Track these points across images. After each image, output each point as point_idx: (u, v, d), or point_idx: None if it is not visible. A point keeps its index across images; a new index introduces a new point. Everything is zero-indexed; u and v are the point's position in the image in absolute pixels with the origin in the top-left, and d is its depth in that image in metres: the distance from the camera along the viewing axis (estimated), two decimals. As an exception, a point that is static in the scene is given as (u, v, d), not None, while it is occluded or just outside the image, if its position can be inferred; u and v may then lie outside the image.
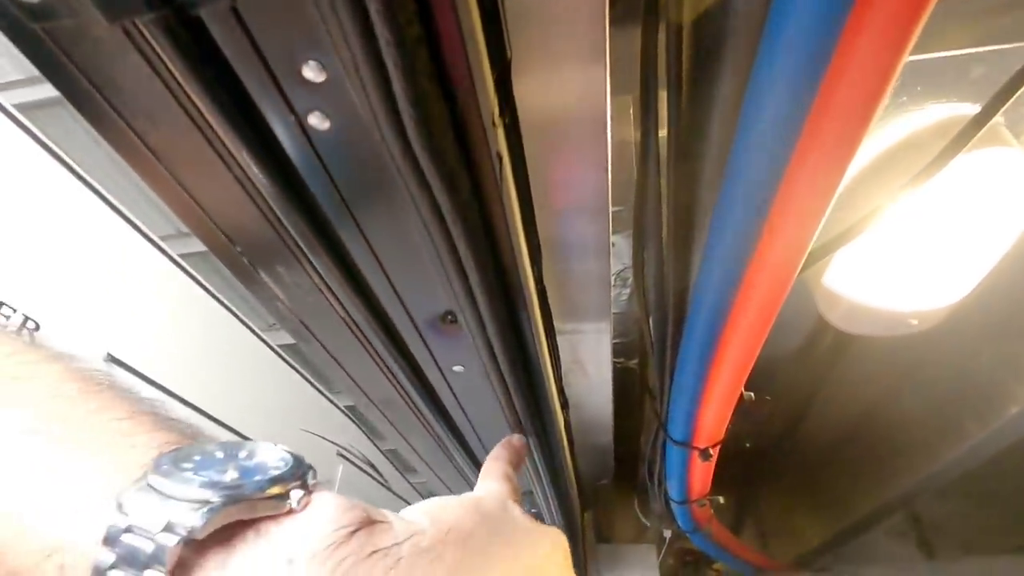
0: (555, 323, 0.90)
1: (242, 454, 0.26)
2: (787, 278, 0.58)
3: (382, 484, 4.42)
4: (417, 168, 0.38)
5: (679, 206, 0.68)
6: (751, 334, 0.63)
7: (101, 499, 0.22)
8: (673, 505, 1.21)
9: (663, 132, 0.69)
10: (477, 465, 1.03)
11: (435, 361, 0.66)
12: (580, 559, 1.56)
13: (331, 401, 3.54)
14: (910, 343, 1.33)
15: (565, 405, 1.16)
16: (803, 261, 0.57)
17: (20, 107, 1.89)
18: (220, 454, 0.26)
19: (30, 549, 0.21)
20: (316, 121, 0.38)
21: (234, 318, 2.80)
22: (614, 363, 1.57)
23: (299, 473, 0.26)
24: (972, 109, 0.80)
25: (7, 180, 1.91)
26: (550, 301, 0.85)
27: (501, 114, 0.52)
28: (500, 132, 0.52)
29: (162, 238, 2.45)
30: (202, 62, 0.34)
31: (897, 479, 1.82)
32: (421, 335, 0.61)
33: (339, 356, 0.64)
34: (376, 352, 0.61)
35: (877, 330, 1.09)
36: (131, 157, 0.39)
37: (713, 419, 0.82)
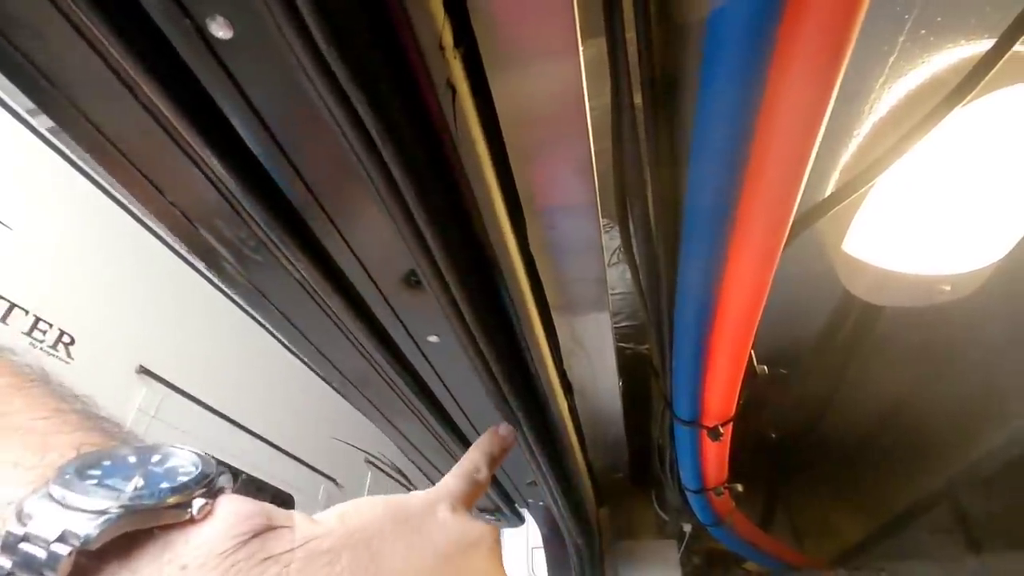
0: (548, 297, 0.84)
1: (154, 459, 0.27)
2: (778, 232, 0.52)
3: (410, 490, 4.41)
4: (334, 82, 0.33)
5: (660, 168, 0.62)
6: (748, 295, 0.56)
7: (4, 504, 0.23)
8: (689, 495, 1.13)
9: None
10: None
11: (406, 329, 0.61)
12: (596, 555, 1.50)
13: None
14: (941, 321, 1.23)
15: (569, 389, 1.10)
16: (791, 216, 0.51)
17: (52, 130, 1.92)
18: (132, 459, 0.27)
19: None
20: (218, 28, 0.33)
21: (263, 328, 2.81)
22: (624, 348, 1.50)
23: (206, 480, 0.27)
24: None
25: (40, 197, 1.95)
26: (540, 273, 0.79)
27: (456, 44, 0.48)
28: (456, 62, 0.47)
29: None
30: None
31: (936, 469, 1.70)
32: (385, 297, 0.56)
33: (300, 325, 0.60)
34: (337, 317, 0.56)
35: (906, 300, 1.00)
36: (26, 86, 0.35)
37: (720, 394, 0.75)
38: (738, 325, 0.62)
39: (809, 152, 0.42)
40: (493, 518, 1.24)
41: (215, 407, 2.64)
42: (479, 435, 0.89)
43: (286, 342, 0.62)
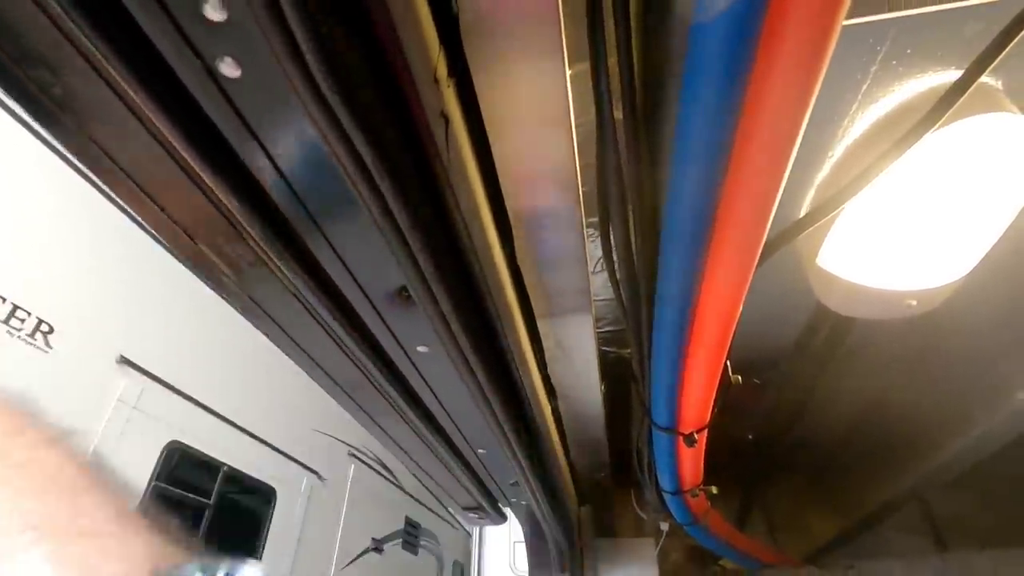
0: (533, 307, 0.87)
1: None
2: (753, 246, 0.55)
3: (393, 483, 4.43)
4: (334, 119, 0.36)
5: (640, 182, 0.65)
6: (723, 308, 0.60)
7: None
8: (666, 496, 1.17)
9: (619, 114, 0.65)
10: (459, 456, 1.00)
11: (397, 340, 0.64)
12: (576, 552, 1.53)
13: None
14: (910, 332, 1.29)
15: (552, 393, 1.14)
16: (767, 230, 0.54)
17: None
18: None
19: None
20: (227, 68, 0.35)
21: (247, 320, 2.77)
22: (606, 352, 1.53)
23: None
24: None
25: (22, 186, 1.92)
26: (526, 283, 0.82)
27: (450, 74, 0.50)
28: (449, 91, 0.50)
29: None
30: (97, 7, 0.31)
31: (906, 471, 1.76)
32: (377, 311, 0.58)
33: (293, 334, 0.62)
34: (331, 328, 0.59)
35: (876, 312, 1.05)
36: (43, 118, 0.37)
37: (695, 402, 0.78)
38: (714, 336, 0.66)
39: (783, 170, 0.45)
40: (476, 516, 1.27)
41: (197, 399, 2.63)
42: (464, 437, 0.92)
43: (281, 351, 0.64)
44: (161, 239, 0.48)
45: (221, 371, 2.88)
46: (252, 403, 3.04)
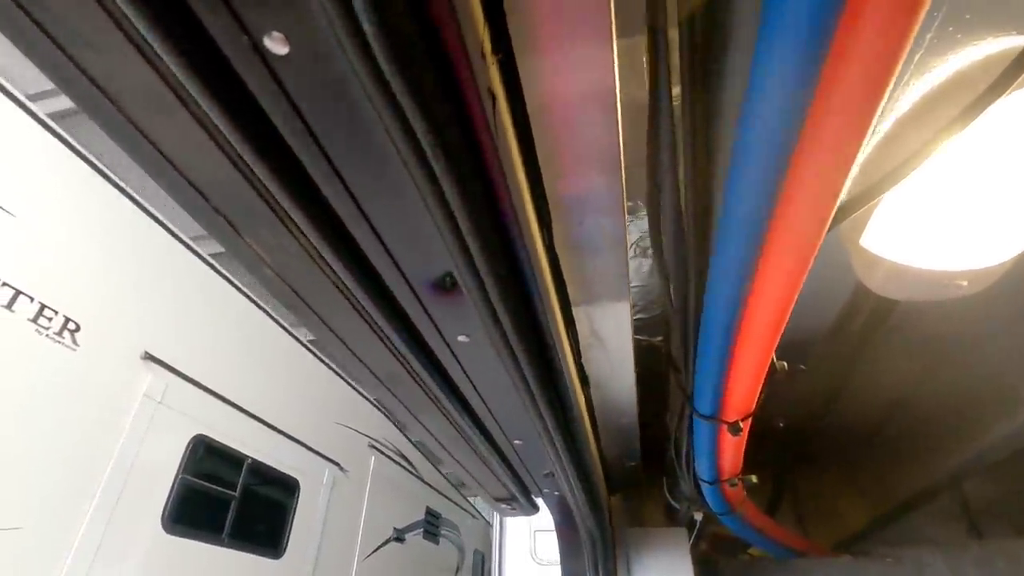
0: (569, 293, 0.85)
1: None
2: (817, 230, 0.52)
3: (413, 474, 4.46)
4: (388, 93, 0.33)
5: (696, 161, 0.62)
6: (780, 295, 0.57)
7: None
8: (703, 486, 1.15)
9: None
10: (495, 447, 0.99)
11: (438, 330, 0.62)
12: (608, 542, 1.52)
13: (362, 394, 3.54)
14: (950, 313, 1.24)
15: (585, 382, 1.11)
16: (832, 215, 0.51)
17: (52, 115, 1.91)
18: None
19: None
20: (273, 44, 0.33)
21: (265, 315, 2.82)
22: (638, 340, 1.51)
23: None
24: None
25: (43, 186, 1.94)
26: (563, 269, 0.80)
27: (495, 50, 0.47)
28: (493, 69, 0.47)
29: (193, 239, 2.47)
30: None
31: (945, 457, 1.72)
32: (420, 300, 0.56)
33: (335, 326, 0.60)
34: (372, 319, 0.57)
35: (922, 294, 1.01)
36: (74, 91, 0.35)
37: (743, 390, 0.76)
38: (767, 324, 0.63)
39: (856, 149, 0.42)
40: (508, 507, 1.26)
41: (221, 393, 2.66)
42: (502, 431, 0.90)
43: (321, 345, 0.62)
44: (206, 230, 0.46)
45: (244, 366, 2.91)
46: (274, 397, 3.07)
